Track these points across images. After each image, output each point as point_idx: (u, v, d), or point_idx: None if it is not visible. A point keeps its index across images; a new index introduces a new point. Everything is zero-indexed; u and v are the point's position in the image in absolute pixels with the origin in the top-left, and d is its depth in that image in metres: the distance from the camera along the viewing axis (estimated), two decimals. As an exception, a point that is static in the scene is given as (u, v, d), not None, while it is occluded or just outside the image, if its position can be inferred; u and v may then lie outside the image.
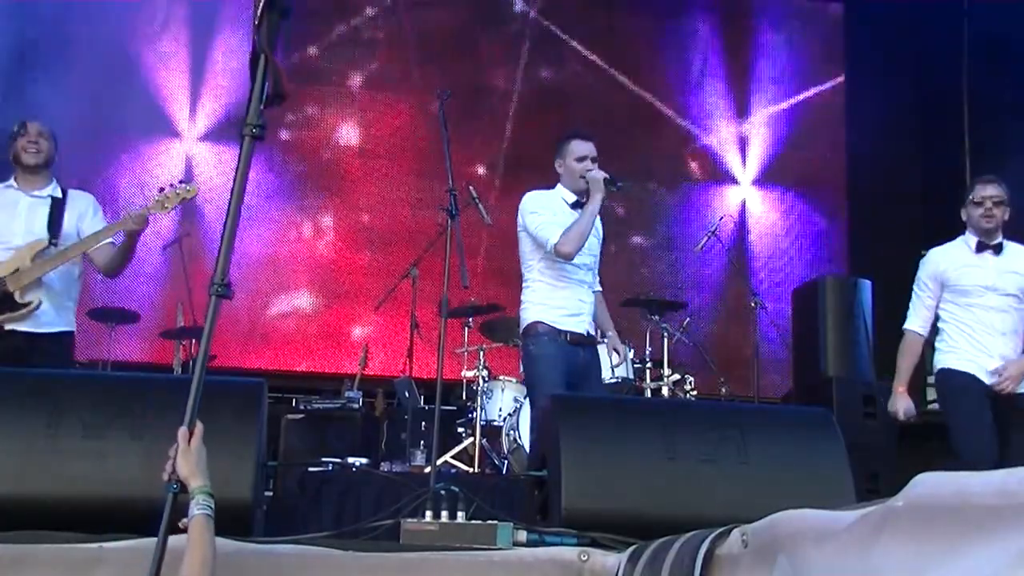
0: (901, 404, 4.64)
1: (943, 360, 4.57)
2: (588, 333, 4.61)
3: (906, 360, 4.67)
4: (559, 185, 4.71)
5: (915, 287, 4.71)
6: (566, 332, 4.49)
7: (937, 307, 4.63)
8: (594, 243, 4.63)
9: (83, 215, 4.59)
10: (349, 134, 8.65)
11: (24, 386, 2.95)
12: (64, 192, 4.61)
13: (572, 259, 4.50)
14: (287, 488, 5.55)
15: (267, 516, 3.50)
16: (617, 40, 9.09)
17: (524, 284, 4.68)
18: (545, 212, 4.57)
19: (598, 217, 4.57)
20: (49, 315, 4.40)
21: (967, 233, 4.64)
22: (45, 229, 4.47)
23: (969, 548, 1.33)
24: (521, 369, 5.02)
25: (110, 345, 6.48)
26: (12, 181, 4.58)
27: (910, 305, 4.70)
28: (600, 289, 4.78)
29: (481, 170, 8.51)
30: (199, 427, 2.20)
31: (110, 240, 4.48)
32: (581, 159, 4.59)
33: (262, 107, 2.31)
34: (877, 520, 1.52)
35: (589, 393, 4.48)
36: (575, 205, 4.61)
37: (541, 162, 5.03)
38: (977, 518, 1.33)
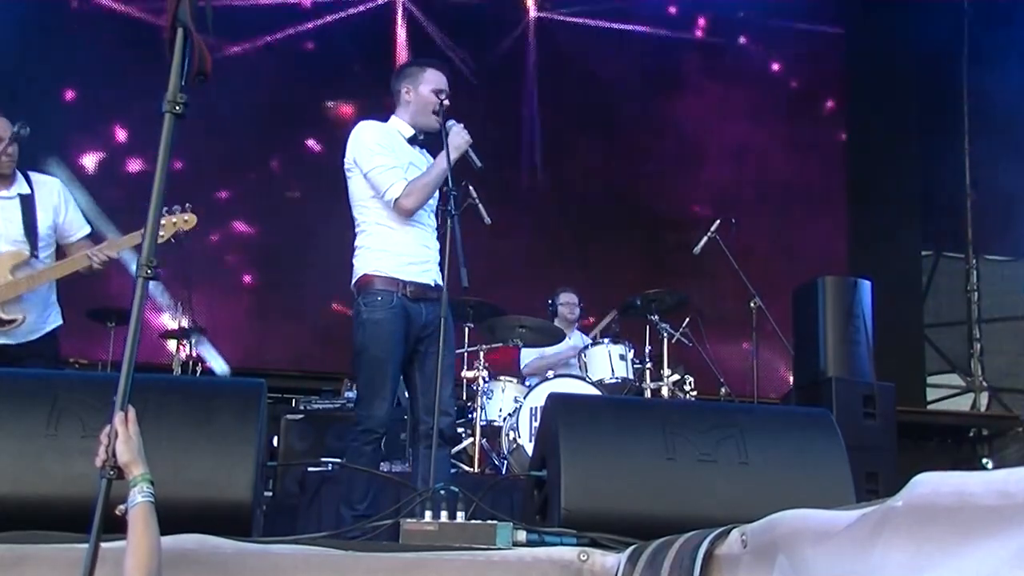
0: None
1: None
2: (436, 283, 4.00)
3: None
4: (395, 117, 4.14)
5: None
6: (408, 283, 3.94)
7: None
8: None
9: (57, 210, 4.27)
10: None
11: (24, 386, 2.95)
12: (29, 182, 4.24)
13: (411, 216, 3.96)
14: (287, 488, 5.55)
15: (267, 516, 3.49)
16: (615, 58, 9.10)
17: (357, 228, 4.08)
18: (386, 152, 3.97)
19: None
20: (33, 325, 4.18)
21: None
22: (22, 233, 4.16)
23: (969, 548, 1.33)
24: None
25: (110, 345, 6.47)
26: None
27: None
28: None
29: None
30: (132, 411, 2.16)
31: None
32: (438, 91, 4.05)
33: (183, 84, 2.21)
34: (877, 520, 1.52)
35: (431, 362, 3.90)
36: (412, 140, 4.09)
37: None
38: (977, 518, 1.32)
